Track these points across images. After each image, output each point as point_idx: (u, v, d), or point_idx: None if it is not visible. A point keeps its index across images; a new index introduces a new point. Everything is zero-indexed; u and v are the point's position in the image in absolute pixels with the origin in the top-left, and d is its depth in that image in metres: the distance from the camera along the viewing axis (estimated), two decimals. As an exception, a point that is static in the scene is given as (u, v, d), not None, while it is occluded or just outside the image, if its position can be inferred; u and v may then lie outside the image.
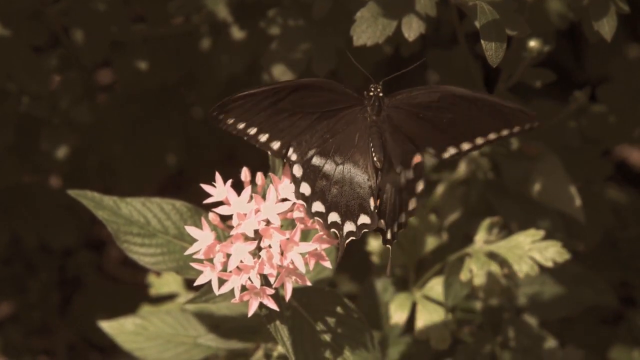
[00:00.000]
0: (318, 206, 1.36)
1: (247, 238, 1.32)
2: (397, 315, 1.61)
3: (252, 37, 1.74)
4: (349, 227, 1.38)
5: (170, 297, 1.75)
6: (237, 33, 1.74)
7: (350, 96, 1.40)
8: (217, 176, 1.34)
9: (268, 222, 1.32)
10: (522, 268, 1.55)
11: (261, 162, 1.41)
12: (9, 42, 1.70)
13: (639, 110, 1.72)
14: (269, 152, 1.38)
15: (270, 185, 1.34)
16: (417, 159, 1.39)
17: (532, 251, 1.56)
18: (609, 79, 1.73)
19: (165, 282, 1.74)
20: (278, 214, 1.32)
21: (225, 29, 1.75)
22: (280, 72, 1.64)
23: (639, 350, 1.86)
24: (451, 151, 1.39)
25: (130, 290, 2.11)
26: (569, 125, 1.70)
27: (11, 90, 1.76)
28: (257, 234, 1.32)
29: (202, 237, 1.34)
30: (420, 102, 1.39)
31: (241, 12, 1.73)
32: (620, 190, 1.89)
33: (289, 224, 1.37)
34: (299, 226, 1.33)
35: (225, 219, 1.34)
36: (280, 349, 1.49)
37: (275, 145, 1.38)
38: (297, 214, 1.34)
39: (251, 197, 1.33)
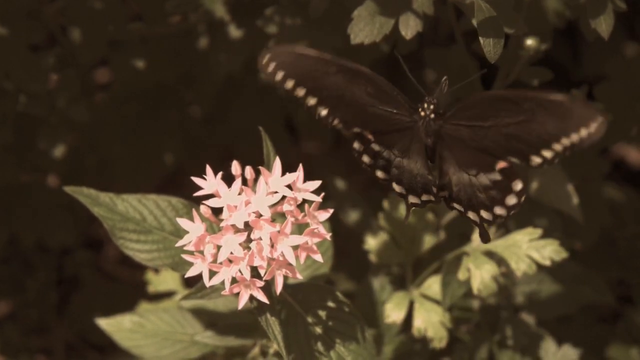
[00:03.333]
0: (381, 175, 1.40)
1: (237, 230, 1.33)
2: (395, 313, 1.61)
3: (249, 36, 1.74)
4: (413, 199, 1.42)
5: (168, 295, 1.75)
6: (235, 32, 1.74)
7: (402, 105, 1.39)
8: (208, 169, 1.35)
9: (259, 215, 1.33)
10: (520, 266, 1.55)
11: (260, 161, 1.41)
12: (7, 41, 1.70)
13: (636, 109, 1.72)
14: (317, 117, 1.39)
15: (261, 177, 1.34)
16: (500, 164, 1.37)
17: (529, 250, 1.56)
18: (607, 78, 1.73)
19: (163, 280, 1.74)
20: (268, 206, 1.33)
21: (223, 27, 1.75)
22: (278, 71, 1.64)
23: (637, 349, 1.86)
24: (536, 160, 1.36)
25: (128, 289, 2.11)
26: (566, 123, 1.70)
27: (9, 89, 1.76)
28: (247, 226, 1.33)
29: (193, 228, 1.35)
30: (472, 115, 1.37)
31: (238, 10, 1.73)
32: (618, 189, 1.89)
33: (282, 218, 1.37)
34: (290, 219, 1.33)
35: (218, 212, 1.35)
36: (276, 345, 1.49)
37: (323, 112, 1.39)
38: (287, 207, 1.34)
39: (242, 190, 1.33)
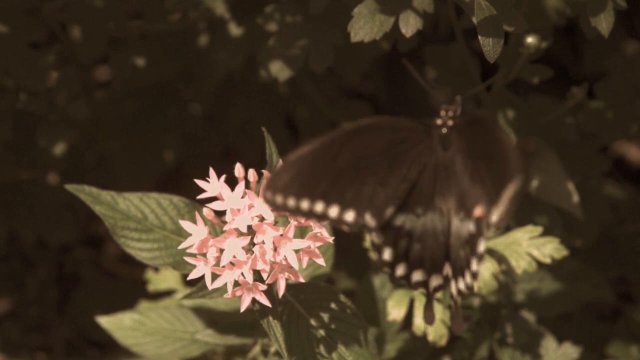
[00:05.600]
0: (402, 270, 1.27)
1: (240, 233, 1.32)
2: (395, 311, 1.61)
3: (249, 34, 1.74)
4: (435, 281, 1.28)
5: (168, 293, 1.75)
6: (235, 29, 1.74)
7: (418, 129, 1.26)
8: (211, 171, 1.35)
9: (262, 219, 1.32)
10: (520, 264, 1.55)
11: (259, 159, 1.41)
12: (7, 39, 1.70)
13: (636, 106, 1.72)
14: (344, 227, 1.25)
15: (264, 180, 1.34)
16: (477, 211, 1.19)
17: (530, 247, 1.56)
18: (607, 75, 1.73)
19: (163, 278, 1.74)
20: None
21: (223, 25, 1.75)
22: (278, 69, 1.64)
23: (637, 346, 1.86)
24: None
25: (128, 286, 2.11)
26: (566, 121, 1.70)
27: (8, 86, 1.76)
28: (250, 230, 1.32)
29: (196, 231, 1.34)
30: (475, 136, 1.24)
31: (238, 8, 1.73)
32: (618, 187, 1.89)
33: (285, 221, 1.37)
34: (293, 223, 1.33)
35: (220, 214, 1.35)
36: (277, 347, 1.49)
37: (349, 216, 1.25)
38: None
39: (245, 193, 1.33)
